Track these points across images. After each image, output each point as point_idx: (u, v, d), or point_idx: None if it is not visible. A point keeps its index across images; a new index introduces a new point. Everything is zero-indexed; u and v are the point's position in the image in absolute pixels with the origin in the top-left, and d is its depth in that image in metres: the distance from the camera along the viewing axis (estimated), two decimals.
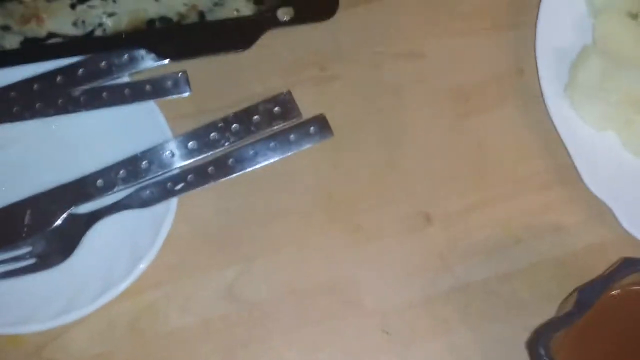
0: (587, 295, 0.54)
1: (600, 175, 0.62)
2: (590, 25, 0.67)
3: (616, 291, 0.55)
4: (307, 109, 0.66)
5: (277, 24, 0.67)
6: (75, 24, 0.69)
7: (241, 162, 0.62)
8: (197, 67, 0.67)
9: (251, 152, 0.62)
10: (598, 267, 0.60)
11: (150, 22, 0.69)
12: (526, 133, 0.67)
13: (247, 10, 0.70)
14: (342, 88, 0.69)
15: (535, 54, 0.67)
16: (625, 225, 0.61)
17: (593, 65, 0.62)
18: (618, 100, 0.61)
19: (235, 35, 0.66)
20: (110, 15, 0.69)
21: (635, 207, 0.61)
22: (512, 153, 0.67)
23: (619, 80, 0.61)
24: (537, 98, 0.67)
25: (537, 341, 0.52)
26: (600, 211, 0.63)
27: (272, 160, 0.63)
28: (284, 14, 0.67)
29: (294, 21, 0.67)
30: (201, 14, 0.70)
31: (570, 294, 0.58)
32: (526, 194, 0.65)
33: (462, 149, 0.67)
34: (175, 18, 0.70)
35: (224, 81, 0.68)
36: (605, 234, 0.63)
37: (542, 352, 0.51)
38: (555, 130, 0.64)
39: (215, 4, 0.71)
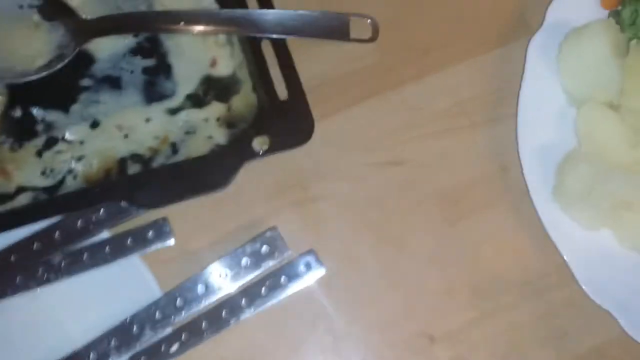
0: None
1: (597, 279, 0.61)
2: (571, 114, 0.66)
3: None
4: (295, 235, 0.65)
5: (254, 155, 0.65)
6: (44, 173, 0.66)
7: (234, 312, 0.60)
8: (178, 208, 0.65)
9: (243, 301, 0.60)
10: None
11: (122, 161, 0.67)
12: (519, 234, 0.66)
13: (220, 135, 0.68)
14: (328, 207, 0.67)
15: (517, 150, 0.66)
16: (627, 328, 0.60)
17: (581, 173, 0.61)
18: (610, 206, 0.60)
19: (212, 174, 0.64)
20: (79, 159, 0.67)
21: (635, 310, 0.60)
22: (507, 257, 0.66)
23: (607, 186, 0.60)
24: (526, 196, 0.66)
25: None
26: (602, 311, 0.62)
27: (265, 307, 0.61)
28: (259, 144, 0.65)
29: (271, 150, 0.65)
30: (173, 146, 0.68)
31: None
32: (526, 301, 0.65)
33: (455, 257, 0.66)
34: (147, 154, 0.68)
35: (207, 218, 0.66)
36: (607, 336, 0.63)
37: None
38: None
39: (187, 133, 0.68)
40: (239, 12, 0.69)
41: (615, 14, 0.68)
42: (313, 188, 0.68)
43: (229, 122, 0.69)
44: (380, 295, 0.65)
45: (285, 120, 0.66)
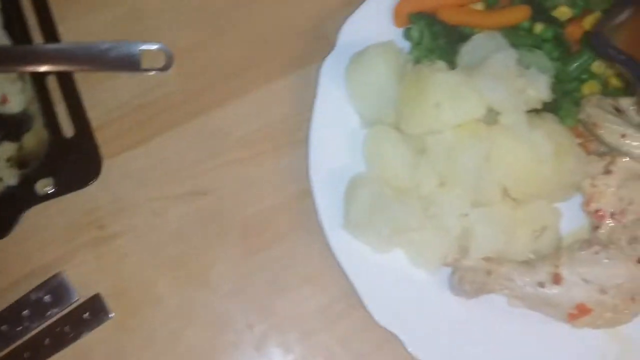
0: None
1: (386, 302, 0.62)
2: (363, 137, 0.66)
3: None
4: (90, 278, 0.64)
5: (37, 200, 0.62)
6: None
7: None
8: None
9: (26, 355, 0.59)
10: None
11: None
12: (316, 261, 0.66)
13: (10, 177, 0.66)
14: (125, 245, 0.66)
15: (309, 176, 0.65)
16: (411, 349, 0.61)
17: (361, 199, 0.61)
18: (390, 232, 0.60)
19: None
20: None
21: (419, 330, 0.61)
22: (306, 286, 0.66)
23: (386, 214, 0.60)
24: None
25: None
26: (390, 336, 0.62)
27: (52, 358, 0.59)
28: (42, 187, 0.63)
29: (57, 193, 0.63)
30: None
31: None
32: (325, 327, 0.65)
33: (256, 290, 0.66)
34: None
35: None
36: (400, 356, 0.63)
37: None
38: None
39: None
40: (21, 47, 0.66)
41: (407, 33, 0.68)
42: (110, 226, 0.66)
43: (20, 162, 0.66)
44: (178, 334, 0.64)
45: (70, 159, 0.64)
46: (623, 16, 0.57)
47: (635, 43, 0.57)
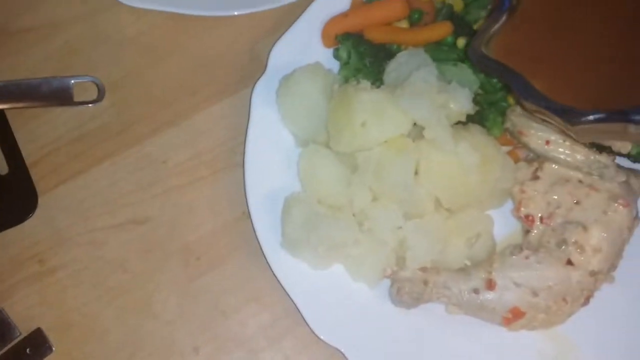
0: None
1: (328, 318, 0.63)
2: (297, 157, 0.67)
3: None
4: (31, 313, 0.64)
5: None
6: None
7: None
8: None
9: None
10: None
11: None
12: (260, 282, 0.67)
13: None
14: (67, 278, 0.66)
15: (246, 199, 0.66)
16: None
17: (296, 218, 0.62)
18: (325, 249, 0.62)
19: None
20: None
21: (362, 343, 0.62)
22: (250, 306, 0.67)
23: (321, 231, 0.61)
24: None
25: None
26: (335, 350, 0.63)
27: None
28: None
29: None
30: None
31: None
32: (269, 345, 0.65)
33: (200, 313, 0.66)
34: None
35: None
36: None
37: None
38: None
39: None
40: None
41: (336, 53, 0.70)
42: (50, 260, 0.66)
43: None
44: None
45: (6, 196, 0.64)
46: (499, 24, 0.59)
47: (511, 49, 0.58)
